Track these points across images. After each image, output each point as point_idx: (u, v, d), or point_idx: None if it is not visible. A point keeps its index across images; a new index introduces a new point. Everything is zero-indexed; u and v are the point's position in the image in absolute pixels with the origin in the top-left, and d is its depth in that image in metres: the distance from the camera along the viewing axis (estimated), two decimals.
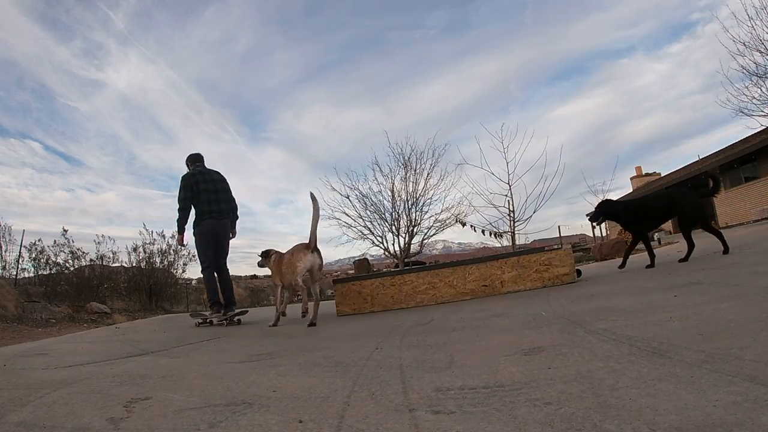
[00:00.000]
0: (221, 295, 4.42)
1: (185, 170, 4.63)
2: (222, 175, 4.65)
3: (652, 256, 4.12)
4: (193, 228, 4.46)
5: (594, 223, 4.66)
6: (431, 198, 10.45)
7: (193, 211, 4.43)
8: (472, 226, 9.33)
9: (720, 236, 3.92)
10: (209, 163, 4.68)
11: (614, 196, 21.38)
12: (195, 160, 4.65)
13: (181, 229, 4.43)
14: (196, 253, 4.60)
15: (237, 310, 4.41)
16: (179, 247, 4.43)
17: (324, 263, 3.56)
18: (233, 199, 4.71)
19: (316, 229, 3.32)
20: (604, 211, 4.40)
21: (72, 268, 8.90)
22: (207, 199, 4.37)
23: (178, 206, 4.37)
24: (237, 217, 4.74)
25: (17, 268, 8.35)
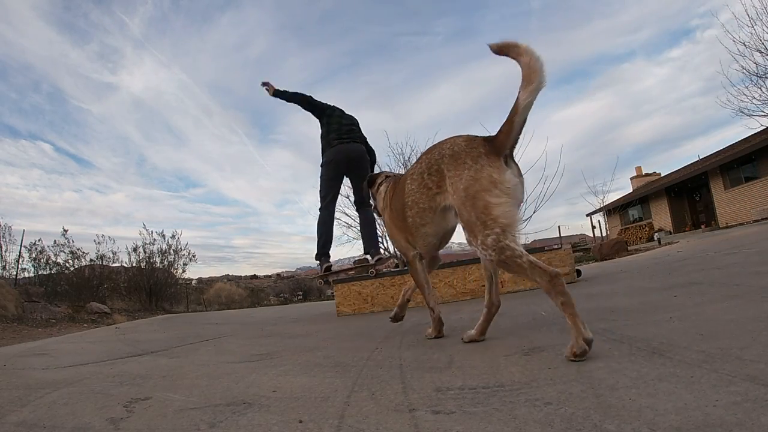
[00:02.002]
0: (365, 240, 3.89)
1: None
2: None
3: None
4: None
5: None
6: None
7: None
8: None
9: None
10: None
11: (614, 196, 21.46)
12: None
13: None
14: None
15: (377, 258, 3.69)
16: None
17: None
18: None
19: (535, 91, 1.36)
20: None
21: (72, 268, 8.91)
22: (337, 129, 3.83)
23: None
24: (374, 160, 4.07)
25: (17, 268, 8.39)
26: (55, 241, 8.94)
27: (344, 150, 3.77)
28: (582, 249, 13.63)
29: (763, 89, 9.04)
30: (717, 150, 17.64)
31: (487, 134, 1.55)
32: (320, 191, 3.84)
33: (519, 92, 1.37)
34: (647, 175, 23.54)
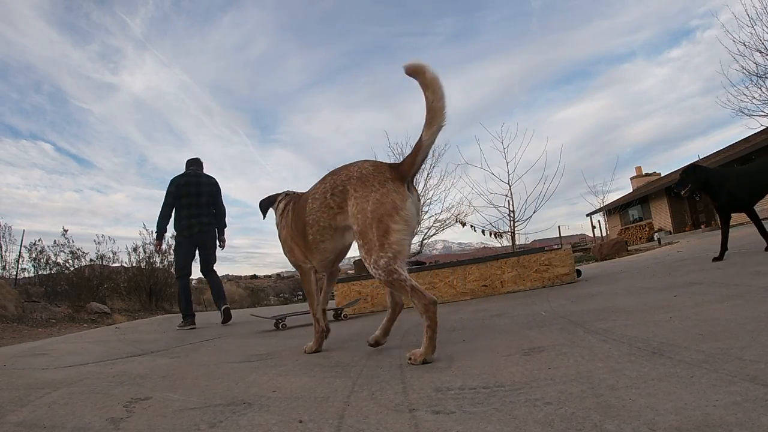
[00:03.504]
0: (214, 296, 4.56)
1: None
2: (212, 180, 4.62)
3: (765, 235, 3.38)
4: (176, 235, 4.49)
5: (682, 193, 3.56)
6: (431, 198, 10.48)
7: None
8: (472, 226, 9.36)
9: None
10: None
11: (614, 196, 21.42)
12: (190, 164, 4.65)
13: (159, 236, 4.45)
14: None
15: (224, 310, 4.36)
16: (156, 251, 4.45)
17: None
18: (221, 205, 4.64)
19: (436, 131, 1.50)
20: (695, 179, 3.53)
21: (72, 268, 8.89)
22: (188, 205, 4.39)
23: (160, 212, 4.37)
24: (225, 225, 4.69)
25: (17, 268, 8.35)
26: (55, 241, 8.91)
27: (194, 239, 4.44)
28: (582, 249, 13.61)
29: (763, 89, 9.03)
30: (717, 150, 17.65)
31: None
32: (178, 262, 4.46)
33: (422, 131, 1.51)
34: (647, 175, 23.53)
